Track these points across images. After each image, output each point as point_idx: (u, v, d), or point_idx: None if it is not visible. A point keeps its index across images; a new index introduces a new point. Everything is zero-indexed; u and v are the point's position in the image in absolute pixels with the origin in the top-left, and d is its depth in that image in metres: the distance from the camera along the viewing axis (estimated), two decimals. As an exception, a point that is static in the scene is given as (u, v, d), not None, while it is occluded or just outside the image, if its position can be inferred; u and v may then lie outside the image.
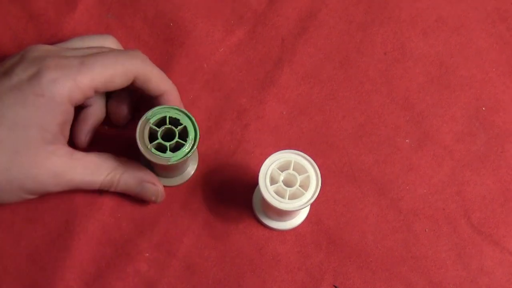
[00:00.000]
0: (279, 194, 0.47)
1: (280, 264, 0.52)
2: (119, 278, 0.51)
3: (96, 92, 0.48)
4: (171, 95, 0.51)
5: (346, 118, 0.56)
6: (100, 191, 0.51)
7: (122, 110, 0.53)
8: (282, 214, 0.51)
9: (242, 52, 0.58)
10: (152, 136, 0.47)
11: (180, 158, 0.47)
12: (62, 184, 0.48)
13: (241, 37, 0.59)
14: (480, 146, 0.56)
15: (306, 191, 0.47)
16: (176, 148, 0.47)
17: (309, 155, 0.47)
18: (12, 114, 0.45)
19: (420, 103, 0.57)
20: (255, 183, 0.53)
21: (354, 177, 0.55)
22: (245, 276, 0.52)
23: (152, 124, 0.47)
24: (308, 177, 0.47)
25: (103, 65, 0.47)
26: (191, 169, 0.54)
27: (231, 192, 0.54)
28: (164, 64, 0.56)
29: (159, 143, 0.47)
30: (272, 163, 0.47)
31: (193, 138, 0.48)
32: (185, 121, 0.48)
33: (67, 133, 0.49)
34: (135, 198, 0.52)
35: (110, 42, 0.53)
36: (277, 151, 0.48)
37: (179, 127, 0.48)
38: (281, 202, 0.46)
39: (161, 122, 0.48)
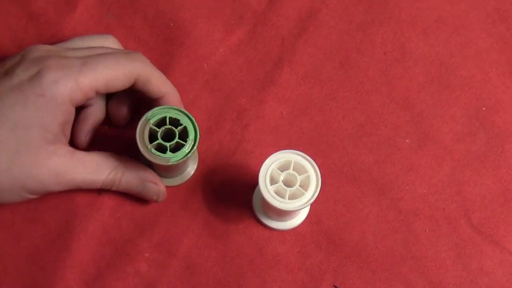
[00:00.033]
0: (279, 194, 0.47)
1: (280, 264, 0.52)
2: (119, 278, 0.51)
3: (97, 93, 0.48)
4: (171, 97, 0.51)
5: (346, 118, 0.56)
6: (100, 191, 0.51)
7: (122, 110, 0.53)
8: (282, 214, 0.51)
9: (242, 52, 0.58)
10: (152, 137, 0.47)
11: (180, 159, 0.47)
12: (63, 184, 0.48)
13: (241, 37, 0.59)
14: (480, 146, 0.56)
15: (306, 191, 0.47)
16: (176, 148, 0.47)
17: (309, 155, 0.47)
18: (13, 114, 0.45)
19: (420, 103, 0.57)
20: (255, 183, 0.53)
21: (354, 177, 0.55)
22: (245, 276, 0.52)
23: (152, 124, 0.47)
24: (308, 177, 0.47)
25: (105, 66, 0.47)
26: (191, 169, 0.54)
27: (231, 192, 0.54)
28: (164, 64, 0.56)
29: (159, 144, 0.47)
30: (272, 163, 0.47)
31: (193, 138, 0.48)
32: (185, 122, 0.48)
33: (68, 133, 0.49)
34: (135, 198, 0.52)
35: (110, 42, 0.53)
36: (277, 151, 0.48)
37: (179, 128, 0.48)
38: (281, 202, 0.46)
39: (161, 123, 0.48)
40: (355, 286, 0.52)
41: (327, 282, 0.52)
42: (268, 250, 0.53)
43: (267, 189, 0.46)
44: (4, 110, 0.45)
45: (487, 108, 0.57)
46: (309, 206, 0.53)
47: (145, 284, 0.51)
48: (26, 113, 0.45)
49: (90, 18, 0.58)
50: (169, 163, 0.47)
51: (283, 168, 0.48)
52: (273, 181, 0.47)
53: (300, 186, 0.47)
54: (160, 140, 0.47)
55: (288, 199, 0.47)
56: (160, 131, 0.47)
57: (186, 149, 0.47)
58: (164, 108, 0.48)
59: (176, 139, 0.47)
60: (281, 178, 0.47)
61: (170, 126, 0.48)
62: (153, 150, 0.47)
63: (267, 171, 0.47)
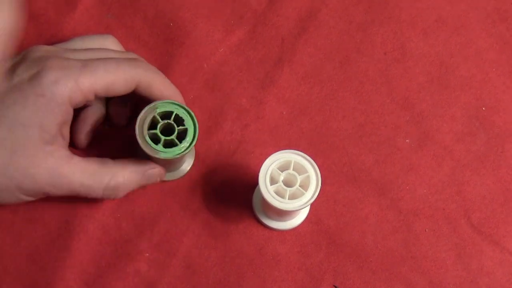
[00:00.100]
0: (279, 194, 0.47)
1: (280, 264, 0.52)
2: (119, 278, 0.51)
3: (97, 96, 0.48)
4: (175, 100, 0.51)
5: (346, 118, 0.56)
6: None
7: (123, 111, 0.53)
8: (282, 214, 0.51)
9: (242, 52, 0.58)
10: (152, 125, 0.47)
11: (169, 156, 0.47)
12: (59, 187, 0.47)
13: (241, 37, 0.59)
14: (480, 146, 0.56)
15: (306, 191, 0.47)
16: (169, 144, 0.47)
17: (309, 155, 0.47)
18: (12, 114, 0.45)
19: (420, 103, 0.57)
20: (255, 183, 0.53)
21: (354, 177, 0.55)
22: (245, 276, 0.52)
23: (157, 114, 0.47)
24: (308, 177, 0.47)
25: (105, 70, 0.47)
26: (186, 165, 0.54)
27: (231, 192, 0.54)
28: (164, 64, 0.56)
29: (155, 134, 0.47)
30: (272, 163, 0.47)
31: (189, 142, 0.47)
32: (188, 124, 0.48)
33: (66, 134, 0.49)
34: (135, 198, 0.52)
35: (110, 42, 0.53)
36: (277, 151, 0.48)
37: (181, 128, 0.48)
38: (281, 202, 0.46)
39: (165, 116, 0.48)
40: (355, 286, 0.52)
41: (327, 282, 0.52)
42: (268, 250, 0.53)
43: (267, 189, 0.46)
44: (4, 110, 0.45)
45: (487, 108, 0.57)
46: (309, 206, 0.53)
47: (145, 284, 0.51)
48: (25, 112, 0.45)
49: (90, 18, 0.58)
50: (157, 156, 0.47)
51: (283, 168, 0.48)
52: (273, 181, 0.47)
53: (300, 186, 0.47)
54: (157, 131, 0.47)
55: (288, 199, 0.47)
56: (161, 123, 0.47)
57: (177, 149, 0.47)
58: (174, 103, 0.48)
59: (173, 137, 0.47)
60: (281, 178, 0.47)
61: (172, 122, 0.47)
62: (147, 138, 0.47)
63: (267, 171, 0.47)
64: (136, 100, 0.53)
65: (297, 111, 0.57)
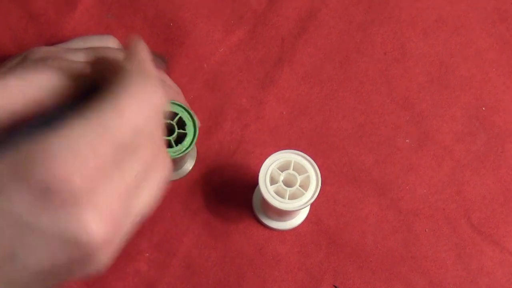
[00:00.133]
0: (279, 194, 0.47)
1: (280, 264, 0.52)
2: (119, 278, 0.51)
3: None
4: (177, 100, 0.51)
5: (346, 118, 0.56)
6: None
7: None
8: (282, 214, 0.51)
9: (242, 52, 0.58)
10: None
11: None
12: None
13: (241, 37, 0.59)
14: (480, 146, 0.56)
15: (306, 191, 0.47)
16: (166, 145, 0.47)
17: (309, 155, 0.47)
18: None
19: (420, 103, 0.57)
20: (255, 183, 0.53)
21: (354, 177, 0.55)
22: (245, 276, 0.52)
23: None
24: (308, 177, 0.47)
25: None
26: (189, 165, 0.54)
27: (231, 192, 0.54)
28: (164, 64, 0.57)
29: None
30: (272, 163, 0.47)
31: (185, 147, 0.47)
32: (189, 129, 0.48)
33: None
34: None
35: (110, 42, 0.53)
36: (277, 151, 0.48)
37: (181, 131, 0.48)
38: (281, 202, 0.46)
39: (169, 116, 0.48)
40: (355, 286, 0.52)
41: (327, 282, 0.52)
42: (268, 250, 0.53)
43: (267, 189, 0.47)
44: None
45: (487, 108, 0.57)
46: (309, 206, 0.53)
47: (145, 284, 0.51)
48: None
49: (90, 18, 0.58)
50: None
51: (283, 168, 0.48)
52: (273, 181, 0.47)
53: (300, 186, 0.47)
54: None
55: (288, 199, 0.47)
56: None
57: (171, 152, 0.47)
58: (180, 105, 0.48)
59: (171, 138, 0.47)
60: (281, 178, 0.47)
61: (174, 124, 0.47)
62: None
63: (267, 171, 0.47)
64: None
65: (297, 111, 0.57)
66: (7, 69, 0.45)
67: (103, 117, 0.30)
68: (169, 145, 0.47)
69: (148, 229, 0.52)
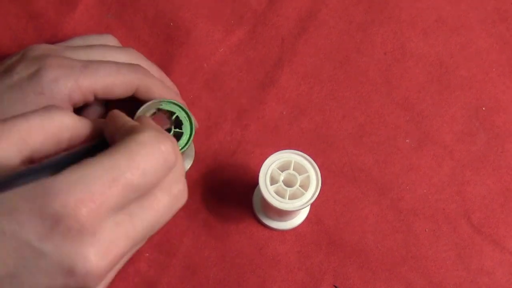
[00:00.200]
0: (279, 194, 0.47)
1: (280, 264, 0.52)
2: (119, 278, 0.51)
3: (96, 98, 0.48)
4: None
5: (346, 118, 0.56)
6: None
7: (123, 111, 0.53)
8: (282, 214, 0.51)
9: (242, 52, 0.58)
10: None
11: None
12: None
13: (241, 37, 0.59)
14: (480, 146, 0.56)
15: (306, 191, 0.47)
16: None
17: (309, 155, 0.47)
18: (12, 112, 0.45)
19: (420, 103, 0.57)
20: (255, 183, 0.53)
21: (354, 177, 0.55)
22: (245, 276, 0.52)
23: (161, 109, 0.47)
24: (308, 177, 0.47)
25: (105, 72, 0.47)
26: (186, 165, 0.54)
27: (231, 192, 0.54)
28: (164, 64, 0.56)
29: None
30: (272, 163, 0.47)
31: (181, 146, 0.47)
32: (185, 129, 0.48)
33: None
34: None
35: (110, 42, 0.53)
36: (277, 151, 0.48)
37: (177, 131, 0.47)
38: (281, 202, 0.46)
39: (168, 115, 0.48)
40: (355, 286, 0.52)
41: (327, 282, 0.52)
42: (268, 250, 0.53)
43: (267, 189, 0.47)
44: (4, 108, 0.45)
45: (487, 108, 0.57)
46: (309, 206, 0.53)
47: (145, 284, 0.51)
48: (25, 111, 0.45)
49: (90, 18, 0.58)
50: None
51: (283, 168, 0.48)
52: (273, 181, 0.47)
53: (300, 186, 0.47)
54: None
55: (288, 199, 0.47)
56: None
57: None
58: (178, 105, 0.48)
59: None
60: (281, 178, 0.47)
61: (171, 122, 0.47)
62: None
63: (267, 171, 0.47)
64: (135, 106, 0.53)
65: (297, 111, 0.57)
66: (15, 76, 0.45)
67: (115, 160, 0.33)
68: None
69: (148, 229, 0.52)
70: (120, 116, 0.39)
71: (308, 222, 0.53)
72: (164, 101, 0.48)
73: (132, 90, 0.48)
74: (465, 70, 0.58)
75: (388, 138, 0.56)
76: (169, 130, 0.47)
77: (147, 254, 0.52)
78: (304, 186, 0.47)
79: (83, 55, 0.49)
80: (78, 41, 0.52)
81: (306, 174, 0.47)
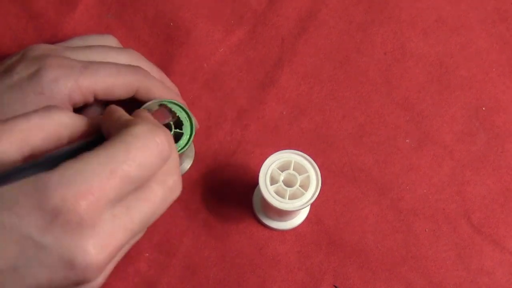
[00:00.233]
0: (279, 194, 0.47)
1: (280, 264, 0.52)
2: (119, 278, 0.51)
3: (96, 98, 0.48)
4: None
5: (346, 118, 0.56)
6: None
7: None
8: (282, 214, 0.51)
9: (242, 52, 0.58)
10: None
11: None
12: None
13: (241, 37, 0.59)
14: (480, 146, 0.56)
15: (306, 191, 0.47)
16: None
17: (309, 155, 0.47)
18: (12, 112, 0.45)
19: (420, 103, 0.57)
20: (255, 183, 0.53)
21: (354, 177, 0.55)
22: (245, 276, 0.52)
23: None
24: (308, 177, 0.47)
25: (106, 73, 0.47)
26: (185, 165, 0.54)
27: (231, 192, 0.54)
28: (164, 64, 0.56)
29: None
30: (272, 163, 0.47)
31: (180, 146, 0.47)
32: (186, 130, 0.48)
33: None
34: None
35: (110, 42, 0.53)
36: (277, 151, 0.48)
37: (177, 131, 0.47)
38: (281, 202, 0.46)
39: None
40: (355, 286, 0.52)
41: (327, 282, 0.52)
42: (268, 250, 0.53)
43: (267, 189, 0.47)
44: (4, 108, 0.45)
45: (487, 108, 0.57)
46: (309, 206, 0.53)
47: (145, 284, 0.51)
48: (25, 111, 0.45)
49: (90, 18, 0.58)
50: None
51: (283, 168, 0.48)
52: (273, 181, 0.47)
53: (300, 186, 0.47)
54: None
55: (288, 199, 0.47)
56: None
57: None
58: (179, 105, 0.48)
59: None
60: (281, 178, 0.47)
61: (171, 123, 0.47)
62: None
63: (267, 171, 0.47)
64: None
65: (297, 111, 0.57)
66: (15, 76, 0.45)
67: (111, 153, 0.34)
68: None
69: (148, 229, 0.52)
70: (117, 110, 0.39)
71: (308, 222, 0.53)
72: (165, 101, 0.48)
73: (132, 91, 0.48)
74: (465, 70, 0.58)
75: (388, 138, 0.56)
76: (169, 128, 0.47)
77: (147, 254, 0.52)
78: (304, 186, 0.47)
79: (83, 56, 0.49)
80: (78, 42, 0.52)
81: (306, 174, 0.47)
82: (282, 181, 0.47)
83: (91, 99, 0.48)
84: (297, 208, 0.46)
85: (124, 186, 0.34)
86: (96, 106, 0.51)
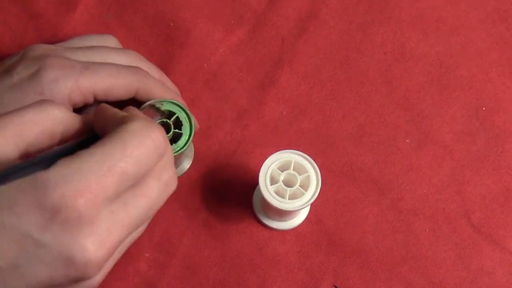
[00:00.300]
0: (279, 194, 0.47)
1: (280, 264, 0.52)
2: (119, 278, 0.51)
3: (96, 99, 0.48)
4: None
5: (346, 118, 0.56)
6: None
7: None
8: (282, 214, 0.51)
9: (242, 52, 0.58)
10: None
11: None
12: None
13: (241, 37, 0.59)
14: (480, 146, 0.56)
15: (306, 191, 0.47)
16: None
17: (309, 155, 0.47)
18: None
19: (420, 103, 0.57)
20: (255, 183, 0.53)
21: (354, 177, 0.55)
22: (245, 276, 0.52)
23: (162, 109, 0.47)
24: (308, 177, 0.47)
25: (106, 73, 0.47)
26: (185, 165, 0.54)
27: (231, 192, 0.54)
28: (164, 64, 0.56)
29: None
30: (272, 163, 0.47)
31: (180, 146, 0.47)
32: (185, 130, 0.48)
33: None
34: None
35: (110, 42, 0.53)
36: (277, 151, 0.48)
37: (177, 131, 0.47)
38: (281, 202, 0.46)
39: (166, 115, 0.48)
40: (355, 286, 0.52)
41: (327, 282, 0.52)
42: (268, 250, 0.53)
43: (267, 189, 0.47)
44: (3, 108, 0.45)
45: (487, 108, 0.57)
46: (309, 206, 0.53)
47: (145, 284, 0.51)
48: None
49: (90, 18, 0.58)
50: None
51: (283, 168, 0.48)
52: (273, 181, 0.47)
53: (300, 186, 0.47)
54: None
55: (288, 199, 0.47)
56: (160, 120, 0.47)
57: None
58: (179, 105, 0.48)
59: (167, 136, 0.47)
60: (281, 178, 0.47)
61: (171, 123, 0.47)
62: None
63: (267, 171, 0.47)
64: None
65: (297, 111, 0.57)
66: (15, 76, 0.45)
67: (108, 150, 0.34)
68: None
69: (148, 229, 0.52)
70: (109, 108, 0.39)
71: (308, 222, 0.53)
72: (165, 101, 0.48)
73: (132, 92, 0.48)
74: (465, 70, 0.58)
75: (388, 138, 0.56)
76: (168, 131, 0.47)
77: (147, 254, 0.52)
78: (304, 186, 0.47)
79: (83, 56, 0.49)
80: (78, 42, 0.52)
81: (306, 174, 0.47)
82: (282, 181, 0.47)
83: (91, 99, 0.47)
84: (297, 208, 0.46)
85: (121, 182, 0.34)
86: (95, 106, 0.51)
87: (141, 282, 0.51)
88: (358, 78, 0.58)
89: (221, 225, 0.53)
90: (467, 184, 0.55)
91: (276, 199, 0.46)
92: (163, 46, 0.58)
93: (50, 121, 0.37)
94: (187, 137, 0.47)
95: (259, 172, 0.47)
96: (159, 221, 0.53)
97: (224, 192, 0.54)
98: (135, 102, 0.50)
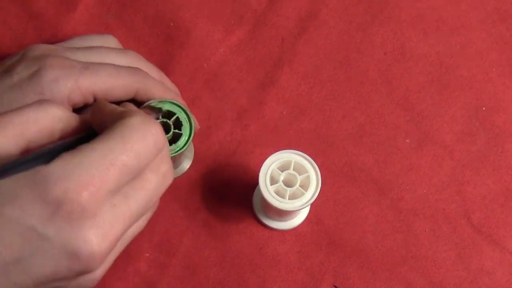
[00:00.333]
0: (279, 194, 0.47)
1: (280, 264, 0.52)
2: (119, 278, 0.51)
3: (95, 99, 0.48)
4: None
5: (346, 118, 0.56)
6: None
7: None
8: (282, 214, 0.51)
9: (242, 52, 0.58)
10: None
11: None
12: None
13: (241, 37, 0.59)
14: (480, 146, 0.56)
15: (306, 191, 0.47)
16: None
17: (309, 155, 0.47)
18: None
19: (420, 103, 0.57)
20: (255, 183, 0.53)
21: (354, 177, 0.55)
22: (245, 276, 0.52)
23: (162, 109, 0.47)
24: (308, 177, 0.47)
25: (105, 74, 0.47)
26: (185, 165, 0.54)
27: (231, 192, 0.54)
28: (164, 64, 0.56)
29: None
30: (272, 163, 0.47)
31: (179, 147, 0.47)
32: (185, 131, 0.48)
33: None
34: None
35: (110, 42, 0.53)
36: (277, 151, 0.48)
37: (177, 132, 0.47)
38: (281, 202, 0.46)
39: (165, 115, 0.48)
40: (355, 286, 0.52)
41: (327, 282, 0.52)
42: (268, 250, 0.53)
43: (267, 189, 0.47)
44: (3, 108, 0.45)
45: (487, 108, 0.57)
46: (309, 206, 0.53)
47: (145, 284, 0.51)
48: None
49: (90, 18, 0.58)
50: None
51: (283, 168, 0.48)
52: (273, 181, 0.47)
53: (300, 186, 0.47)
54: None
55: (288, 199, 0.47)
56: (159, 120, 0.47)
57: None
58: (179, 105, 0.48)
59: (167, 136, 0.47)
60: (281, 178, 0.47)
61: (171, 124, 0.47)
62: None
63: (267, 171, 0.47)
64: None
65: (297, 111, 0.57)
66: (15, 76, 0.45)
67: (110, 145, 0.35)
68: None
69: (148, 229, 0.52)
70: (107, 103, 0.40)
71: (308, 222, 0.53)
72: (165, 101, 0.48)
73: (132, 93, 0.48)
74: (465, 70, 0.58)
75: (388, 138, 0.56)
76: (168, 131, 0.47)
77: (147, 254, 0.52)
78: (304, 186, 0.47)
79: (83, 56, 0.49)
80: (78, 42, 0.52)
81: (306, 174, 0.47)
82: (282, 181, 0.47)
83: (90, 99, 0.47)
84: (297, 208, 0.46)
85: (122, 176, 0.35)
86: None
87: (141, 282, 0.51)
88: (358, 78, 0.58)
89: (221, 225, 0.53)
90: (467, 184, 0.55)
91: (276, 199, 0.46)
92: (163, 46, 0.58)
93: (50, 120, 0.38)
94: (187, 137, 0.47)
95: (259, 172, 0.47)
96: (159, 221, 0.53)
97: (224, 192, 0.54)
98: (135, 102, 0.50)
